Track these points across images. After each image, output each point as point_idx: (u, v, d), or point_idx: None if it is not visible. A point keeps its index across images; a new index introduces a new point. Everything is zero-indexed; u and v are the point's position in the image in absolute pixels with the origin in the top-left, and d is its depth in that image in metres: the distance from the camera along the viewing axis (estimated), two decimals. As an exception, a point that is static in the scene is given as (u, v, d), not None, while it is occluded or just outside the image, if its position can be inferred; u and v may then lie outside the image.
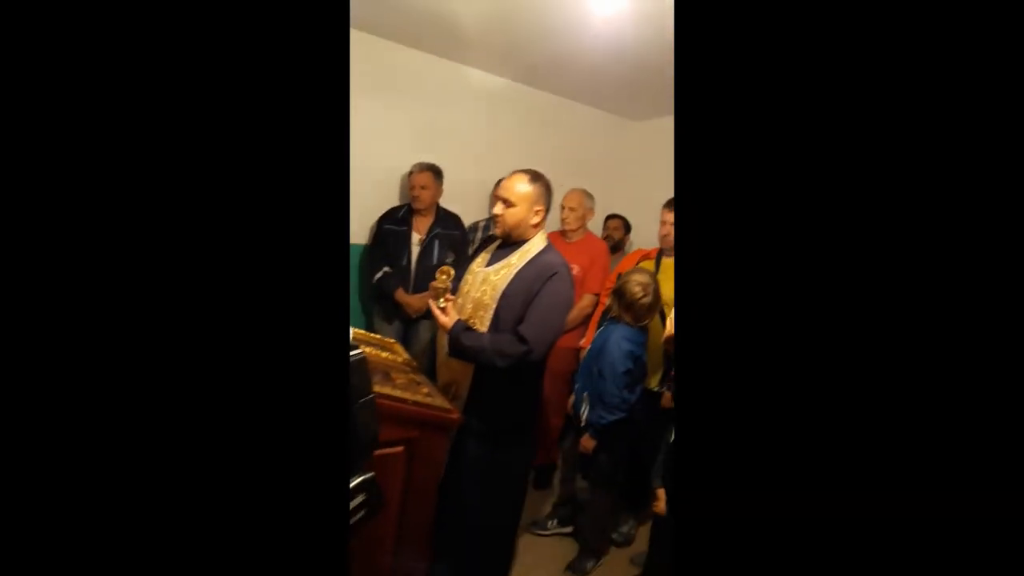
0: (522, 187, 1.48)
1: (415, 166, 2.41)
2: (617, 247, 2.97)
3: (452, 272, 1.50)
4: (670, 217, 1.97)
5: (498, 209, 1.51)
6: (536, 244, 1.53)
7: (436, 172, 2.43)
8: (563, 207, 2.47)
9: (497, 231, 1.55)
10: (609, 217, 3.07)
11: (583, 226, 2.52)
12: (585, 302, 2.47)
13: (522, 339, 1.39)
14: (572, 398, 2.00)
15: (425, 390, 1.38)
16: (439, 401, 1.34)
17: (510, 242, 1.55)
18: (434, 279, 1.49)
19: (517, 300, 1.46)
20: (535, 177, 1.50)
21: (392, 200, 2.58)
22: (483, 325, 1.48)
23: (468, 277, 1.58)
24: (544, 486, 2.46)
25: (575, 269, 2.44)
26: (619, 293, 1.82)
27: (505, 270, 1.50)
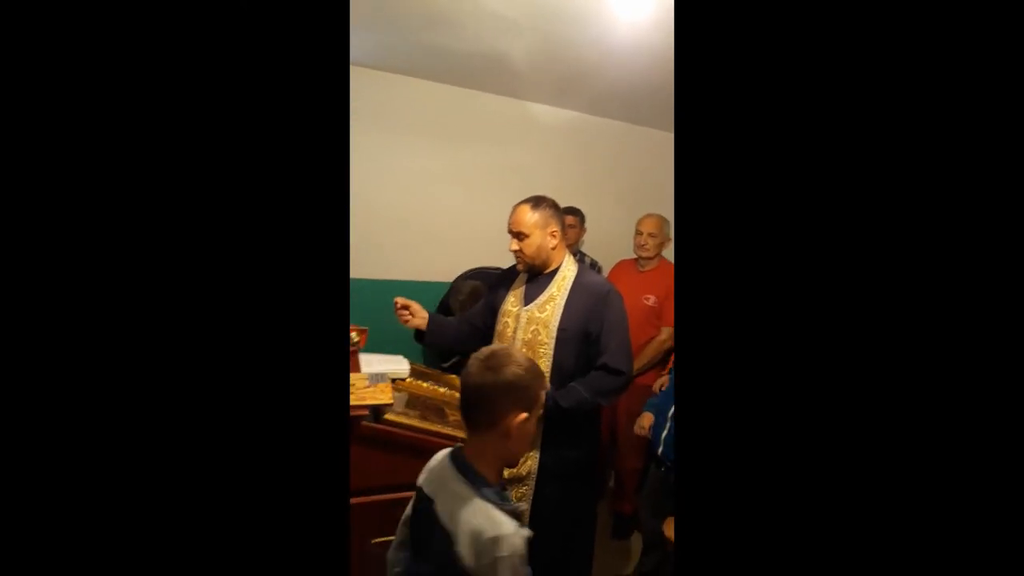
0: (528, 215, 1.46)
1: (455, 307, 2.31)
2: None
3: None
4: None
5: (513, 245, 1.49)
6: (569, 269, 1.51)
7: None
8: (640, 232, 2.35)
9: (520, 267, 1.54)
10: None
11: (659, 253, 2.39)
12: (664, 335, 2.30)
13: (614, 371, 1.39)
14: (650, 420, 1.84)
15: (479, 428, 1.33)
16: (493, 440, 1.28)
17: (535, 272, 1.52)
18: None
19: (578, 332, 1.44)
20: (537, 202, 1.49)
21: (464, 242, 2.61)
22: (544, 365, 1.44)
23: (506, 320, 1.54)
24: (623, 535, 2.27)
25: (650, 300, 2.30)
26: None
27: (550, 304, 1.46)
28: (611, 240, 2.74)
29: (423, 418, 1.28)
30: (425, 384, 1.47)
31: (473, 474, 0.85)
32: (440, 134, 2.56)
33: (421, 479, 0.92)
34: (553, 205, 1.50)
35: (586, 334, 1.43)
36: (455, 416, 1.37)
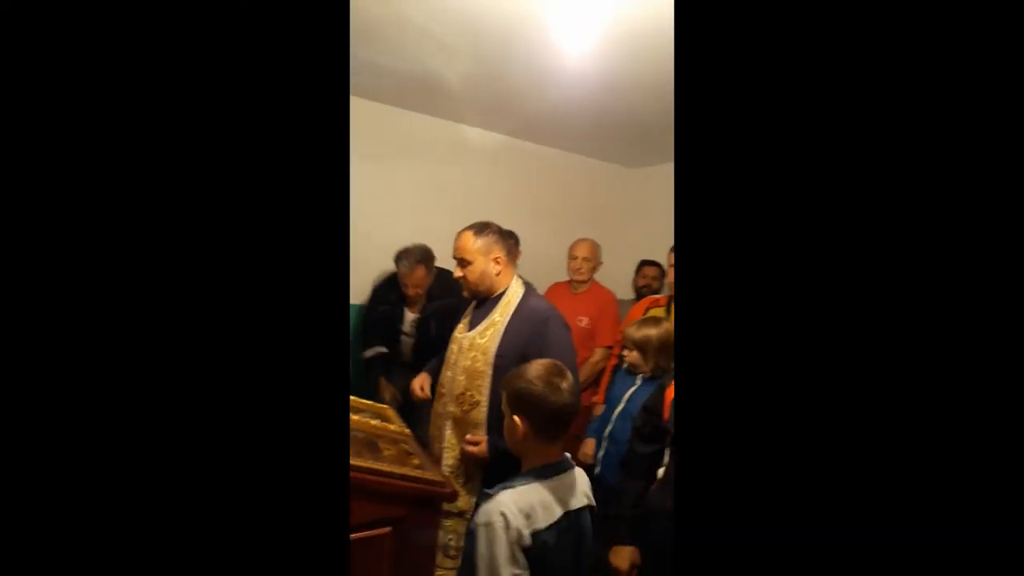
0: (471, 242, 1.43)
1: (403, 264, 2.14)
2: (653, 294, 2.77)
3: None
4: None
5: (457, 272, 1.46)
6: (515, 292, 1.47)
7: (427, 263, 2.18)
8: (575, 257, 2.38)
9: (465, 293, 1.51)
10: (645, 263, 2.75)
11: (592, 277, 2.43)
12: (597, 356, 2.34)
13: None
14: (592, 446, 1.82)
15: (416, 461, 1.25)
16: (431, 474, 1.21)
17: (483, 298, 1.49)
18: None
19: (515, 359, 1.37)
20: (481, 228, 1.46)
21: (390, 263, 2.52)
22: (482, 394, 1.39)
23: (452, 347, 1.49)
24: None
25: (583, 321, 2.33)
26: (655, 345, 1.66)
27: (491, 330, 1.42)
28: (540, 264, 2.76)
29: (356, 454, 1.19)
30: (356, 417, 1.37)
31: (567, 462, 1.05)
32: (369, 152, 2.48)
33: (546, 523, 0.94)
34: (498, 231, 1.46)
35: (524, 360, 1.39)
36: (389, 450, 1.28)
